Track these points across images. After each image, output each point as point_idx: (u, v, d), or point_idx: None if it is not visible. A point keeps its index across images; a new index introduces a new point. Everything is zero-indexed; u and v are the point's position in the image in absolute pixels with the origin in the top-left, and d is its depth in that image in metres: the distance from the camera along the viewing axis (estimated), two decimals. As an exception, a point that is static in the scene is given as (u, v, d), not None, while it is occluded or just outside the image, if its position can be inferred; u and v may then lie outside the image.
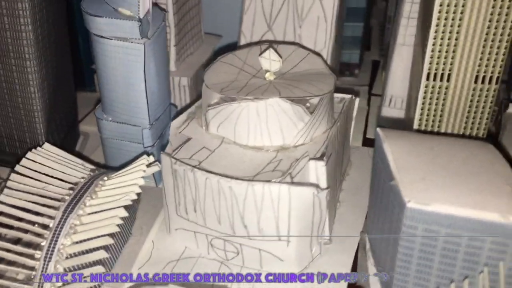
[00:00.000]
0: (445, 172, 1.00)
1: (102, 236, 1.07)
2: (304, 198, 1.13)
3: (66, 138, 1.55)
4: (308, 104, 1.27)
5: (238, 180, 1.11)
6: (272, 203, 1.12)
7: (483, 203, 0.93)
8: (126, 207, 1.16)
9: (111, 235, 1.10)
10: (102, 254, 1.06)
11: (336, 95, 1.44)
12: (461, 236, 0.93)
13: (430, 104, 1.18)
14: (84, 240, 1.07)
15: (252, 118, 1.22)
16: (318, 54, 1.55)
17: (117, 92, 1.32)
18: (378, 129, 1.12)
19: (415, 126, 1.21)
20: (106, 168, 1.40)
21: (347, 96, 1.45)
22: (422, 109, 1.19)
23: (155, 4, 1.36)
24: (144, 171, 1.20)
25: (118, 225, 1.13)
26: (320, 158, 1.19)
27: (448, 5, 1.05)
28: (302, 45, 1.51)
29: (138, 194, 1.32)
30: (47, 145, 1.25)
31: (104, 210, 1.12)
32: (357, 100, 1.48)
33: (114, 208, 1.13)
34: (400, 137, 1.11)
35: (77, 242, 1.07)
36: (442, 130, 1.22)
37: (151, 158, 1.25)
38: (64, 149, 1.27)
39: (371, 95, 1.90)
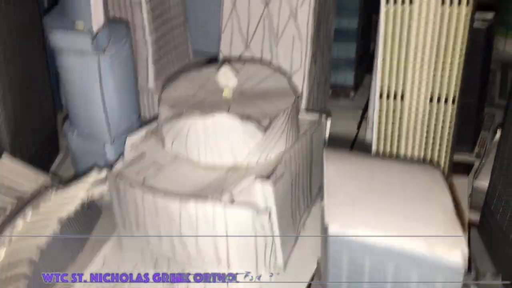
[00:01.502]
0: (378, 196, 0.93)
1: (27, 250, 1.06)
2: (243, 220, 1.08)
3: (40, 154, 1.57)
4: (265, 122, 1.23)
5: (171, 197, 1.08)
6: (207, 224, 1.07)
7: (411, 231, 0.85)
8: (69, 222, 1.15)
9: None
10: (24, 269, 1.04)
11: (307, 114, 1.39)
12: (386, 264, 0.85)
13: (386, 124, 1.11)
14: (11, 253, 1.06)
15: (200, 135, 1.19)
16: (296, 72, 1.52)
17: (77, 107, 1.33)
18: (324, 149, 1.07)
19: (373, 148, 1.14)
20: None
21: (317, 116, 1.39)
22: (378, 129, 1.12)
23: (122, 20, 1.37)
24: (88, 186, 1.19)
25: (61, 241, 1.12)
26: (268, 178, 1.14)
27: (393, 23, 0.99)
28: (267, 64, 1.47)
29: (98, 209, 1.31)
30: (4, 157, 1.27)
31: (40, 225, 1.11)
32: (328, 121, 1.42)
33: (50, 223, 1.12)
34: (344, 158, 1.04)
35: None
36: (402, 152, 1.14)
37: (103, 173, 1.24)
38: (32, 164, 1.28)
39: (363, 118, 1.83)
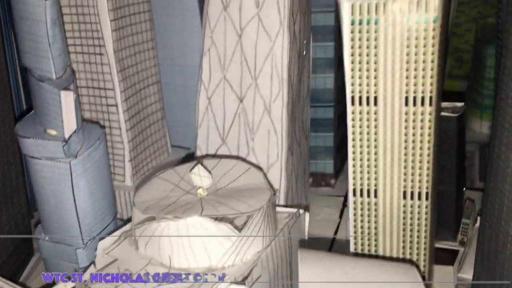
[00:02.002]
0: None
1: None
2: (218, 329, 1.03)
3: (14, 256, 1.52)
4: (240, 222, 1.20)
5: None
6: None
7: None
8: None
9: None
10: None
11: (284, 210, 1.37)
12: None
13: (362, 221, 1.09)
14: None
15: (173, 238, 1.15)
16: (273, 165, 1.51)
17: (49, 212, 1.30)
18: (299, 250, 1.04)
19: (351, 248, 1.11)
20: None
21: (294, 211, 1.37)
22: (355, 227, 1.10)
23: (95, 122, 1.38)
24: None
25: None
26: (243, 282, 1.10)
27: (360, 122, 1.00)
28: (245, 159, 1.47)
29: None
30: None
31: None
32: (306, 215, 1.40)
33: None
34: (319, 260, 1.01)
35: None
36: (380, 249, 1.11)
37: (69, 285, 1.19)
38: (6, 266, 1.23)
39: (345, 207, 1.82)
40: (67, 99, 1.18)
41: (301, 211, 1.39)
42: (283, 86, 1.47)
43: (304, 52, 1.60)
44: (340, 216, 1.76)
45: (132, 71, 1.58)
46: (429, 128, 1.00)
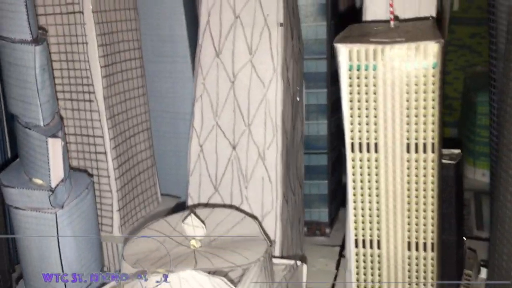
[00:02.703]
0: None
1: None
2: None
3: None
4: (236, 275, 1.14)
5: None
6: None
7: None
8: None
9: None
10: None
11: (281, 261, 1.31)
12: None
13: (365, 274, 1.04)
14: None
15: (165, 293, 1.09)
16: (268, 214, 1.47)
17: (32, 265, 1.23)
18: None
19: (353, 301, 1.06)
20: None
21: (292, 263, 1.31)
22: (357, 280, 1.04)
23: (83, 171, 1.33)
24: None
25: None
26: None
27: (361, 170, 0.97)
28: (239, 208, 1.42)
29: None
30: None
31: None
32: (304, 267, 1.34)
33: None
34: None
35: None
36: (385, 304, 1.05)
37: None
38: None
39: (341, 257, 1.76)
40: (55, 146, 1.13)
41: (299, 262, 1.33)
42: (277, 133, 1.44)
43: (298, 98, 1.58)
44: (337, 267, 1.69)
45: (121, 118, 1.55)
46: (432, 175, 0.97)
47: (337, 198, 1.98)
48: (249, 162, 1.49)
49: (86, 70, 1.43)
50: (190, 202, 1.56)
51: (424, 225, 0.97)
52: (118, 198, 1.53)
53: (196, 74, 1.49)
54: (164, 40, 1.74)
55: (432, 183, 0.96)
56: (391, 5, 1.06)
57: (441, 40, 0.92)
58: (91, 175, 1.41)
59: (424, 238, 0.99)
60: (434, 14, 1.23)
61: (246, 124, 1.46)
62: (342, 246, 1.86)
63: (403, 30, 1.06)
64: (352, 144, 0.99)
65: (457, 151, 1.32)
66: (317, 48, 1.69)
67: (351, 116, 0.98)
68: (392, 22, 1.06)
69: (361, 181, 1.00)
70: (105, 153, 1.49)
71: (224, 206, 1.43)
